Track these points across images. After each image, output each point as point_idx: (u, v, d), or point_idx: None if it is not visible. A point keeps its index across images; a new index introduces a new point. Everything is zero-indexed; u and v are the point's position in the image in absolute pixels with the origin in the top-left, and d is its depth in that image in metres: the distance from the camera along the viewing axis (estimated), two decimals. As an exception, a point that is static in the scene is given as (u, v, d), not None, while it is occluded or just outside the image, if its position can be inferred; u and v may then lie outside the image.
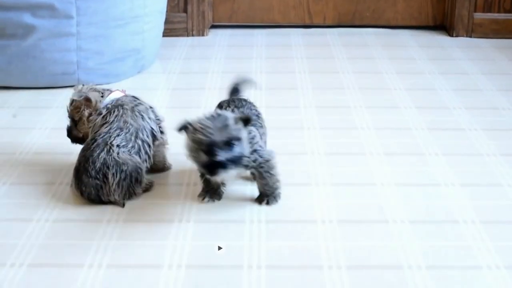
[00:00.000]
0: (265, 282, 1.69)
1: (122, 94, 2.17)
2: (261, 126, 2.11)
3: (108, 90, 2.19)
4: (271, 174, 2.00)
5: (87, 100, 2.15)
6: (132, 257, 1.78)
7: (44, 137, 2.46)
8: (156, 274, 1.71)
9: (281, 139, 2.44)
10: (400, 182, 2.16)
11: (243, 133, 1.88)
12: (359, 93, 2.87)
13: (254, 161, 1.96)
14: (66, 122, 2.21)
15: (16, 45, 2.84)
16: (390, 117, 2.64)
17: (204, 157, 1.86)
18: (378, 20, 3.77)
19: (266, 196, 2.03)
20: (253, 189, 2.08)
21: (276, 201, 2.02)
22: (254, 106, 2.17)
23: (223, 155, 1.83)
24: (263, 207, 2.01)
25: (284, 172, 2.19)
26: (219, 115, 1.88)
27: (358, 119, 2.62)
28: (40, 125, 2.55)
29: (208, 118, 1.87)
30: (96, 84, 2.26)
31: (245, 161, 1.90)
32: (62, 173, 2.19)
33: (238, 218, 1.96)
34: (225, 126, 1.85)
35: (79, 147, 2.10)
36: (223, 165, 1.84)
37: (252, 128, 1.97)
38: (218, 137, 1.84)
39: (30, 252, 1.80)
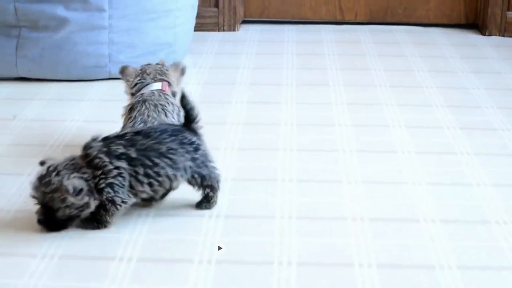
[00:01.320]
0: (295, 278, 1.68)
1: (159, 88, 2.17)
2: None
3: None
4: (101, 213, 1.87)
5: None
6: (163, 252, 1.78)
7: (75, 129, 2.47)
8: (187, 268, 1.71)
9: (311, 135, 2.43)
10: (431, 181, 2.14)
11: (71, 199, 1.81)
12: (391, 91, 2.85)
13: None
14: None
15: (49, 38, 2.86)
16: (421, 115, 2.62)
17: None
18: (410, 18, 3.75)
19: (96, 218, 1.90)
20: (283, 186, 2.08)
21: (90, 228, 1.88)
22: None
23: (40, 214, 1.84)
24: (294, 203, 2.00)
25: (315, 169, 2.19)
26: (50, 178, 1.81)
27: (389, 117, 2.60)
28: (72, 118, 2.56)
29: (45, 174, 1.81)
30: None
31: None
32: (93, 166, 2.19)
33: (268, 214, 1.95)
34: (50, 192, 1.81)
35: (110, 140, 2.10)
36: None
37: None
38: (40, 198, 1.83)
39: (60, 245, 1.80)
